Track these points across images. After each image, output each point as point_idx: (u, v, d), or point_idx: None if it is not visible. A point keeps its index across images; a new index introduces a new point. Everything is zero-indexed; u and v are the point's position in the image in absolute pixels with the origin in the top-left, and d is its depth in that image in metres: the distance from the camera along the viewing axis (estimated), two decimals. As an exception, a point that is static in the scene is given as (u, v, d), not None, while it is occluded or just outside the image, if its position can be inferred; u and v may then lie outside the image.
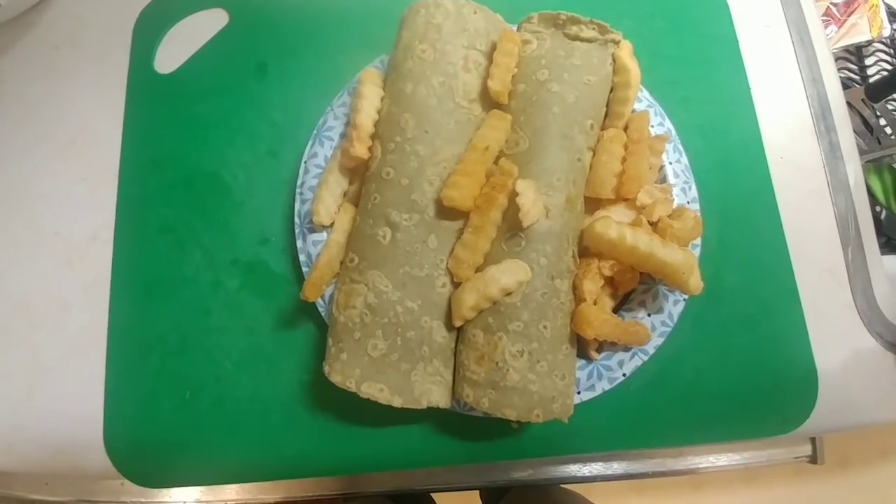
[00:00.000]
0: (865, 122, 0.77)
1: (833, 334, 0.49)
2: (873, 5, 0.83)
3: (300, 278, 0.47)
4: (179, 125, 0.53)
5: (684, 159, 0.47)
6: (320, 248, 0.44)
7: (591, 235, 0.41)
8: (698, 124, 0.51)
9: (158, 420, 0.46)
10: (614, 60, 0.44)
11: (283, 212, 0.50)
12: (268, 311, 0.48)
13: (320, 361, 0.42)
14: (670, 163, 0.47)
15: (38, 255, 0.52)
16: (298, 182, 0.47)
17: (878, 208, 0.72)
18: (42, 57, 0.57)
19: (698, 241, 0.45)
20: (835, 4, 0.83)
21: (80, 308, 0.50)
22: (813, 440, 0.55)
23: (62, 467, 0.48)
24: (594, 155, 0.44)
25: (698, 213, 0.45)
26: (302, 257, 0.46)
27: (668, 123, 0.48)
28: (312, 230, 0.46)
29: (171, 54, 0.55)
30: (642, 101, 0.48)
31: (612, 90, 0.45)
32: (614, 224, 0.40)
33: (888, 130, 0.77)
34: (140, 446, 0.46)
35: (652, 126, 0.47)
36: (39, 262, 0.51)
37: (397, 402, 0.39)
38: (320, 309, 0.44)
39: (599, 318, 0.39)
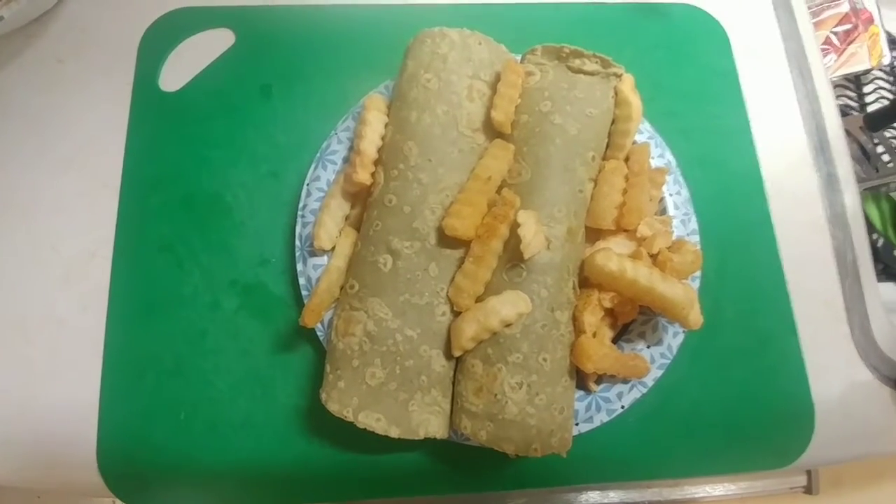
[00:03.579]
0: (863, 149, 0.78)
1: (830, 367, 0.50)
2: (873, 34, 0.83)
3: (299, 301, 0.46)
4: (182, 143, 0.53)
5: (684, 191, 0.48)
6: (320, 273, 0.44)
7: (591, 267, 0.41)
8: (698, 156, 0.52)
9: (152, 440, 0.46)
10: (616, 93, 0.45)
11: (283, 233, 0.50)
12: (265, 334, 0.48)
13: (316, 386, 0.42)
14: (670, 195, 0.47)
15: (35, 270, 0.51)
16: (300, 205, 0.47)
17: (875, 236, 0.73)
18: (46, 70, 0.57)
19: (698, 273, 0.46)
20: (834, 33, 0.84)
21: (76, 325, 0.49)
22: (808, 471, 0.55)
23: (54, 483, 0.47)
24: (595, 186, 0.44)
25: (698, 246, 0.45)
26: (302, 281, 0.46)
27: (668, 155, 0.48)
28: (313, 254, 0.46)
29: (177, 72, 0.55)
30: (643, 132, 0.48)
31: (613, 122, 0.46)
32: (615, 257, 0.40)
33: (886, 158, 0.78)
34: (133, 466, 0.46)
35: (652, 158, 0.47)
36: (36, 277, 0.51)
37: (394, 433, 0.39)
38: (319, 333, 0.44)
39: (599, 351, 0.39)
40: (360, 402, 0.39)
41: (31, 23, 0.58)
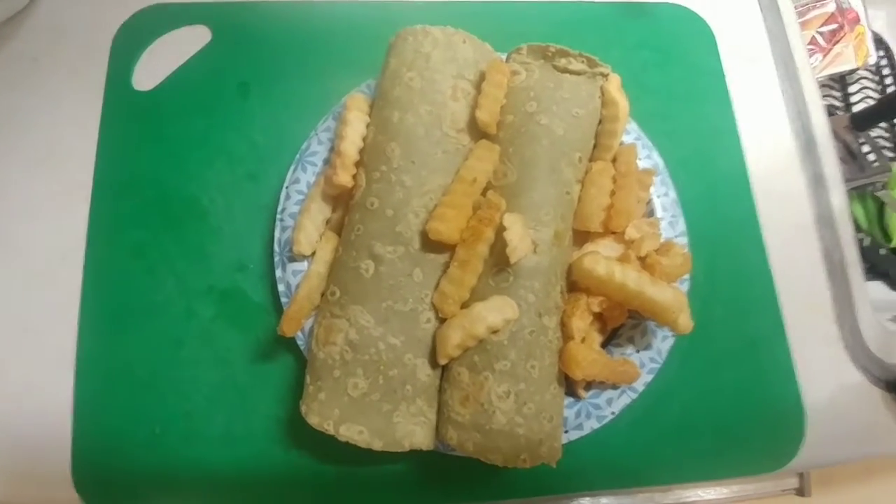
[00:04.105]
0: (849, 149, 0.78)
1: (820, 370, 0.49)
2: (859, 33, 0.83)
3: (279, 308, 0.45)
4: (156, 144, 0.51)
5: (672, 193, 0.47)
6: (300, 279, 0.43)
7: (579, 271, 0.40)
8: (684, 157, 0.51)
9: (127, 455, 0.44)
10: (603, 93, 0.44)
11: (262, 238, 0.48)
12: (243, 343, 0.46)
13: (297, 397, 0.40)
14: (658, 196, 0.46)
15: (3, 276, 0.49)
16: (279, 208, 0.46)
17: (860, 236, 0.73)
18: (19, 69, 0.55)
19: (686, 275, 0.45)
20: (820, 33, 0.84)
21: (47, 333, 0.47)
22: (800, 473, 0.54)
23: (28, 497, 0.45)
24: (582, 188, 0.43)
25: (686, 248, 0.45)
26: (281, 287, 0.44)
27: (655, 156, 0.48)
28: (292, 259, 0.44)
29: (150, 71, 0.53)
30: (630, 132, 0.48)
31: (600, 123, 0.45)
32: (603, 260, 0.39)
33: (871, 158, 0.78)
34: (108, 481, 0.44)
35: (639, 159, 0.46)
36: (5, 284, 0.49)
37: (377, 446, 0.37)
38: (299, 342, 0.42)
39: (588, 357, 0.38)
40: (341, 414, 0.38)
41: (6, 22, 0.56)
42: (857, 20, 0.82)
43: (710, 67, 0.55)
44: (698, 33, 0.56)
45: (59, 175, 0.51)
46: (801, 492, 0.55)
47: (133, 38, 0.54)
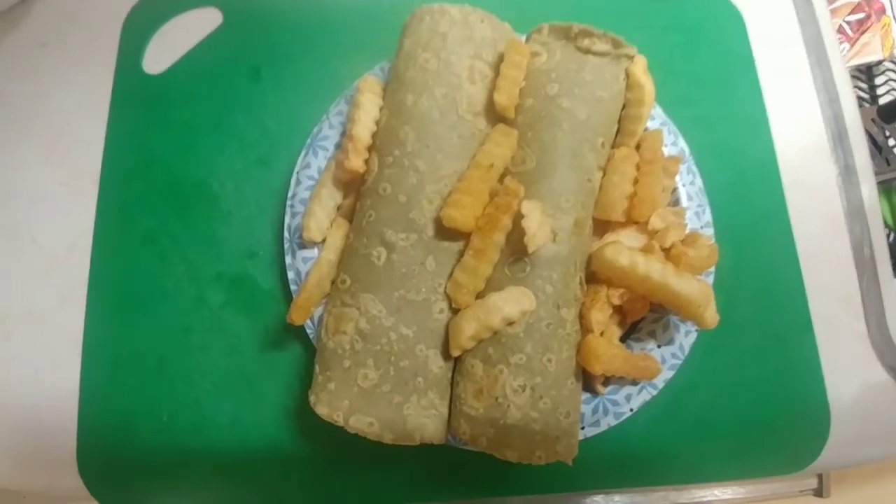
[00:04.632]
0: (874, 142, 0.75)
1: (846, 368, 0.47)
2: (885, 24, 0.81)
3: (288, 295, 0.44)
4: (166, 129, 0.50)
5: (698, 181, 0.45)
6: (310, 266, 0.42)
7: (600, 262, 0.38)
8: (712, 144, 0.49)
9: (134, 442, 0.44)
10: (627, 76, 0.42)
11: (272, 224, 0.47)
12: (252, 331, 0.45)
13: (306, 386, 0.40)
14: (684, 185, 0.44)
15: (13, 263, 0.49)
16: (289, 194, 0.45)
17: (885, 231, 0.70)
18: (27, 54, 0.55)
19: (712, 268, 0.43)
20: (847, 22, 0.82)
21: (55, 320, 0.47)
22: (819, 473, 0.52)
23: (34, 485, 0.45)
24: (605, 175, 0.42)
25: (713, 239, 0.43)
26: (290, 274, 0.43)
27: (681, 143, 0.46)
28: (303, 246, 0.43)
29: (161, 54, 0.52)
30: (655, 118, 0.46)
31: (624, 107, 0.43)
32: (626, 250, 0.37)
33: (897, 151, 0.75)
34: (114, 469, 0.44)
35: (665, 145, 0.44)
36: (15, 270, 0.49)
37: (388, 438, 0.36)
38: (309, 331, 0.42)
39: (608, 352, 0.37)
40: (351, 404, 0.37)
41: (17, 6, 0.55)
42: (882, 10, 0.80)
43: (740, 52, 0.53)
44: (728, 17, 0.54)
45: (68, 161, 0.51)
46: (819, 492, 0.53)
47: (144, 21, 0.54)
